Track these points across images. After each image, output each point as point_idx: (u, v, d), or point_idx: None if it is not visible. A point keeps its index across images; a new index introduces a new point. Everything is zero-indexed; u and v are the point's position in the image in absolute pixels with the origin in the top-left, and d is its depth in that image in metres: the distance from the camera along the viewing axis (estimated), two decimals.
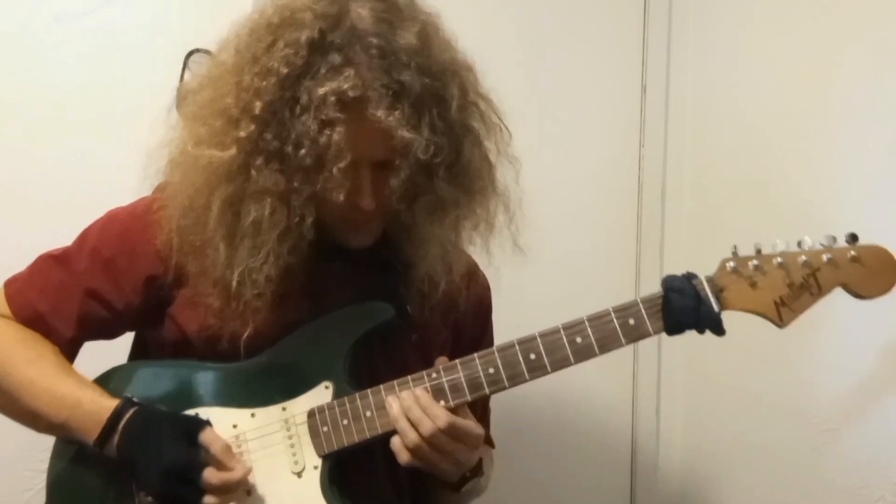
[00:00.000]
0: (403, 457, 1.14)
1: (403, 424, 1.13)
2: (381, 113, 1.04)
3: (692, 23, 1.96)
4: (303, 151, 1.06)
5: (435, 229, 1.18)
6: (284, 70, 1.06)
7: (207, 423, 1.14)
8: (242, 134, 1.08)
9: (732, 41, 1.84)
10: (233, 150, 1.09)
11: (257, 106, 1.07)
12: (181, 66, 1.70)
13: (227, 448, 1.13)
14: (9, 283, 1.25)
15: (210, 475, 1.09)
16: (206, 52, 1.67)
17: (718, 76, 1.88)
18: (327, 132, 1.05)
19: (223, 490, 1.10)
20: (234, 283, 1.11)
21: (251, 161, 1.09)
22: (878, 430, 1.43)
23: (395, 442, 1.14)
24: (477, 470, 1.24)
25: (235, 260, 1.11)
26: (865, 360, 1.45)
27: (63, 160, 1.67)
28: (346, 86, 1.04)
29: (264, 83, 1.07)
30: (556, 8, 1.97)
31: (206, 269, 1.15)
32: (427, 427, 1.12)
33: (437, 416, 1.13)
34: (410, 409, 1.13)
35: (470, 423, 1.16)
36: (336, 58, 1.05)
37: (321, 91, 1.04)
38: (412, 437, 1.12)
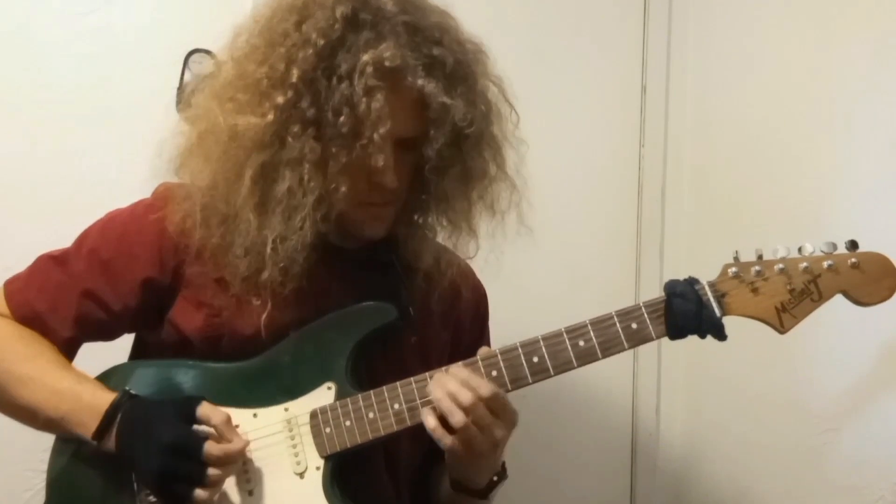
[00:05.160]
0: (446, 441, 1.11)
1: (447, 404, 1.11)
2: (420, 82, 1.08)
3: (692, 23, 1.96)
4: (342, 119, 1.08)
5: (457, 202, 1.20)
6: (321, 41, 1.08)
7: (202, 398, 1.14)
8: (280, 100, 1.10)
9: (732, 41, 1.84)
10: (270, 117, 1.10)
11: (294, 74, 1.09)
12: (181, 66, 1.70)
13: (227, 419, 1.13)
14: (9, 283, 1.25)
15: (210, 447, 1.09)
16: (207, 52, 1.67)
17: (718, 76, 1.88)
18: (367, 99, 1.07)
19: (225, 461, 1.10)
20: (269, 250, 1.11)
21: (287, 128, 1.10)
22: (879, 430, 1.43)
23: (434, 425, 1.11)
24: (502, 473, 1.24)
25: (268, 227, 1.11)
26: (865, 359, 1.45)
27: (63, 160, 1.67)
28: (385, 55, 1.07)
29: (301, 53, 1.09)
30: (556, 8, 1.97)
31: (233, 240, 1.15)
32: (467, 397, 1.09)
33: (478, 385, 1.11)
34: (449, 384, 1.11)
35: (507, 399, 1.15)
36: (369, 34, 1.09)
37: (363, 59, 1.07)
38: (458, 416, 1.10)
